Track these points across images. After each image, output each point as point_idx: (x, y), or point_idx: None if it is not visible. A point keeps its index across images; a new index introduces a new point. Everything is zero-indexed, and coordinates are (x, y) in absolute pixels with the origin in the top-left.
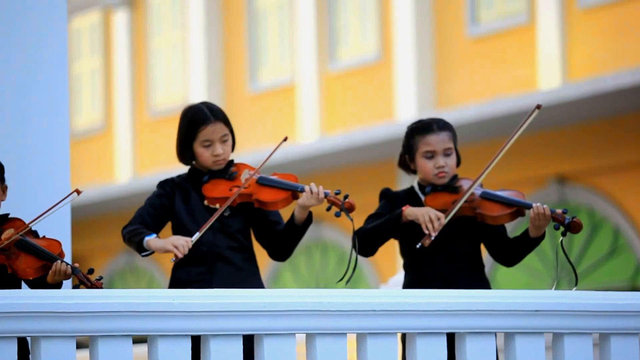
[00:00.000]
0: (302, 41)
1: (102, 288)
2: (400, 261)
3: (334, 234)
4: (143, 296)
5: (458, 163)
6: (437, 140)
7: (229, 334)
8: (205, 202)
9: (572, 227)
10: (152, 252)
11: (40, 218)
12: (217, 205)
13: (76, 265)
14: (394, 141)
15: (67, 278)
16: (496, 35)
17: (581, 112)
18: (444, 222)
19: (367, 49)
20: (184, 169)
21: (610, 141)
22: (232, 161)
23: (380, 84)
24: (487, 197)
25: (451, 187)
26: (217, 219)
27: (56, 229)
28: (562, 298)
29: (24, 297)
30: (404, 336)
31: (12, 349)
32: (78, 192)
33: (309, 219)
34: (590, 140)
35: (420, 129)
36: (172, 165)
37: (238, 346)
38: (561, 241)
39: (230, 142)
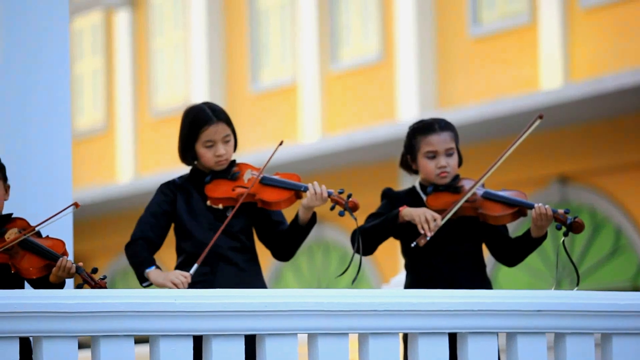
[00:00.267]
0: (303, 41)
1: (105, 287)
2: (402, 261)
3: (336, 234)
4: (145, 296)
5: (460, 163)
6: (438, 141)
7: (231, 334)
8: (208, 203)
9: (574, 228)
10: (152, 284)
11: (41, 226)
12: (220, 206)
13: (80, 264)
14: (395, 141)
15: (70, 276)
16: (498, 36)
17: (583, 112)
18: (440, 224)
19: (369, 49)
20: (185, 169)
21: (611, 141)
22: (234, 161)
23: (381, 84)
24: (489, 197)
25: (453, 187)
26: (219, 219)
27: (58, 229)
28: (564, 298)
29: (26, 297)
30: (405, 336)
31: (14, 348)
32: (77, 205)
33: (313, 220)
34: (591, 140)
35: (422, 129)
36: (174, 165)
37: (240, 346)
38: (563, 241)
39: (232, 142)
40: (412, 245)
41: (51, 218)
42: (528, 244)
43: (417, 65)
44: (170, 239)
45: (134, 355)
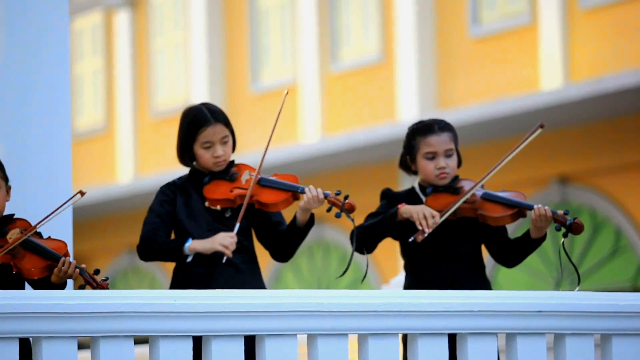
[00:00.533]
0: (303, 42)
1: (107, 289)
2: (401, 262)
3: (335, 235)
4: (145, 297)
5: (459, 164)
6: (438, 141)
7: (231, 335)
8: (206, 204)
9: (574, 229)
10: (191, 257)
11: (45, 220)
12: (218, 207)
13: (83, 265)
14: (395, 142)
15: (72, 277)
16: (498, 36)
17: (583, 112)
18: (439, 221)
19: (369, 49)
20: (184, 169)
21: (612, 142)
22: (232, 162)
23: (382, 85)
24: (488, 198)
25: (452, 188)
26: (218, 220)
27: (58, 229)
28: (564, 299)
29: (25, 297)
30: (405, 337)
31: (14, 349)
32: (82, 193)
33: (311, 221)
34: (592, 140)
35: (421, 129)
36: (174, 166)
37: (239, 347)
38: (562, 242)
39: (230, 143)
40: (410, 240)
41: (58, 209)
42: (527, 245)
43: (417, 66)
44: None
45: (134, 355)
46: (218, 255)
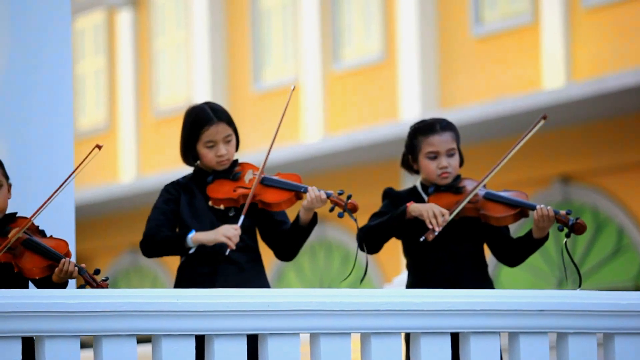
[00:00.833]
0: (306, 41)
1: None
2: (404, 261)
3: (338, 234)
4: (147, 296)
5: (461, 163)
6: (440, 141)
7: (233, 334)
8: (210, 203)
9: (576, 229)
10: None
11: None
12: (221, 207)
13: (83, 265)
14: (397, 141)
15: (72, 278)
16: (500, 35)
17: (585, 111)
18: (448, 219)
19: (371, 49)
20: (186, 169)
21: (614, 141)
22: (236, 161)
23: (384, 84)
24: (490, 198)
25: (454, 187)
26: (221, 219)
27: (60, 228)
28: (566, 298)
29: (28, 296)
30: (407, 336)
31: (17, 348)
32: (99, 147)
33: (314, 220)
34: (594, 140)
35: (423, 129)
36: (176, 165)
37: (242, 346)
38: (565, 242)
39: (233, 142)
40: (421, 239)
41: (79, 166)
42: (530, 244)
43: (419, 65)
44: None
45: (136, 354)
46: (221, 252)
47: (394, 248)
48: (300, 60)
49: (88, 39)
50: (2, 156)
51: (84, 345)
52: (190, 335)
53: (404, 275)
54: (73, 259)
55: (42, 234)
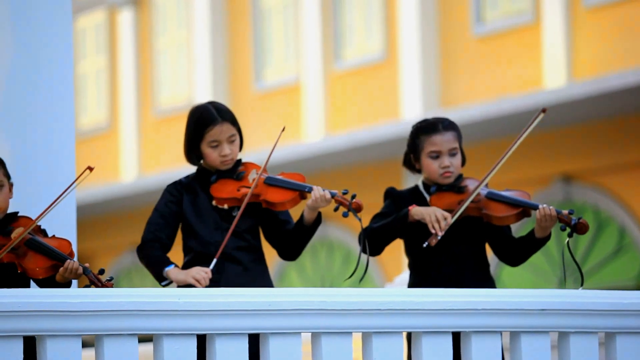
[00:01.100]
0: (307, 40)
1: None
2: (405, 260)
3: (340, 233)
4: (148, 295)
5: (463, 163)
6: (442, 140)
7: (235, 333)
8: (214, 203)
9: (579, 229)
10: (171, 282)
11: (59, 200)
12: (225, 206)
13: (87, 265)
14: (399, 140)
15: (77, 277)
16: (501, 35)
17: (586, 111)
18: (451, 222)
19: (372, 48)
20: (188, 168)
21: (615, 140)
22: (240, 160)
23: (385, 84)
24: (492, 197)
25: (456, 187)
26: (225, 218)
27: (62, 228)
28: (568, 297)
29: (30, 296)
30: (409, 335)
31: (18, 347)
32: (90, 169)
33: (318, 220)
34: (595, 139)
35: (425, 128)
36: (177, 164)
37: (243, 345)
38: (567, 242)
39: (237, 141)
40: (424, 245)
41: (68, 188)
42: (532, 244)
43: (420, 65)
44: (178, 237)
45: (138, 354)
46: (223, 253)
47: (395, 247)
48: (302, 59)
49: (89, 38)
50: (4, 155)
51: (85, 345)
52: (191, 334)
53: (405, 275)
54: (75, 259)
55: (44, 233)
